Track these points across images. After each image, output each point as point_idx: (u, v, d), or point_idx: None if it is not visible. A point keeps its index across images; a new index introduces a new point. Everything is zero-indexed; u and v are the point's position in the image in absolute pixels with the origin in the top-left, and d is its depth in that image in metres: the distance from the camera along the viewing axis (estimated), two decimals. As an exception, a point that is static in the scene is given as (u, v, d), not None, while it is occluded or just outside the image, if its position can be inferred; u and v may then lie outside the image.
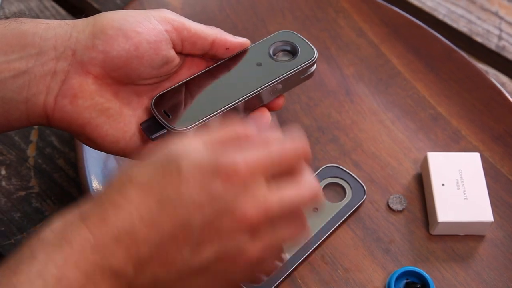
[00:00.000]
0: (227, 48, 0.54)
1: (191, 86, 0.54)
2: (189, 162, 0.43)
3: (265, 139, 0.45)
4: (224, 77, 0.55)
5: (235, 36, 0.55)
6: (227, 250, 0.43)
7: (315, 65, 0.56)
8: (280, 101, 0.56)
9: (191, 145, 0.43)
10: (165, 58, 0.51)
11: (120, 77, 0.51)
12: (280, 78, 0.54)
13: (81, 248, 0.41)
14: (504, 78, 0.75)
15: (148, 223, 0.42)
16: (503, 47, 0.77)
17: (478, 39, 0.78)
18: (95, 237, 0.41)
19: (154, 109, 0.52)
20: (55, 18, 0.77)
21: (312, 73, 0.56)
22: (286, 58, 0.56)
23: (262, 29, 0.75)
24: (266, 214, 0.43)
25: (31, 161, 0.67)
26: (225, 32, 0.54)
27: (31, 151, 0.68)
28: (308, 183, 0.45)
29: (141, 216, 0.42)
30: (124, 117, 0.52)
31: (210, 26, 0.54)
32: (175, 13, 0.53)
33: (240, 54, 0.55)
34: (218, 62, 0.55)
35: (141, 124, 0.52)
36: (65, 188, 0.66)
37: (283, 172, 0.44)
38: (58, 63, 0.50)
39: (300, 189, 0.45)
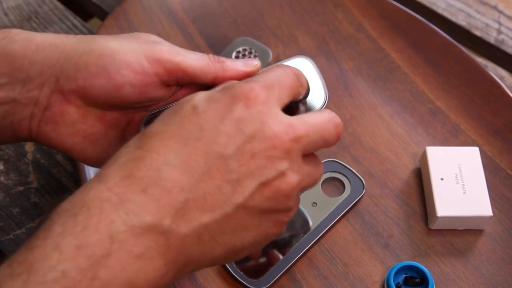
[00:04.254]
0: None
1: None
2: (202, 97, 0.42)
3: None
4: None
5: (242, 64, 0.49)
6: (268, 178, 0.42)
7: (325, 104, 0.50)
8: None
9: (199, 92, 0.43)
10: (150, 99, 0.48)
11: (102, 107, 0.49)
12: None
13: (101, 210, 0.38)
14: (503, 72, 0.75)
15: (176, 166, 0.39)
16: (502, 41, 0.77)
17: (477, 33, 0.78)
18: (117, 195, 0.38)
19: None
20: (53, 13, 0.77)
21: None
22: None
23: (260, 23, 0.74)
24: (295, 133, 0.43)
25: (29, 156, 0.67)
26: (230, 65, 0.49)
27: (29, 146, 0.68)
28: (323, 111, 0.46)
29: (166, 160, 0.39)
30: (109, 139, 0.50)
31: (214, 59, 0.48)
32: (173, 49, 0.48)
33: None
34: None
35: None
36: (64, 183, 0.66)
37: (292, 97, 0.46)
38: (41, 90, 0.48)
39: (317, 115, 0.45)
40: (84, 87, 0.47)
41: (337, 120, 0.46)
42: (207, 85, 0.50)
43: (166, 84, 0.48)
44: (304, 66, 0.51)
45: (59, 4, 0.78)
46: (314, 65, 0.51)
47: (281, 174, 0.42)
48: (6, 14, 0.76)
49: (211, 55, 0.49)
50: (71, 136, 0.49)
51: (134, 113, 0.51)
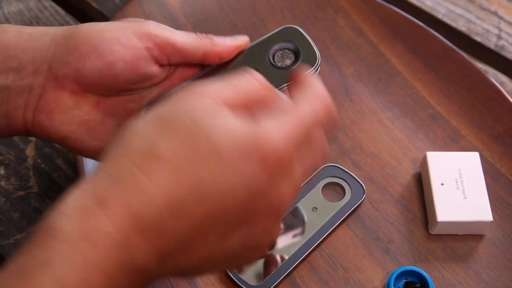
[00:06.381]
0: (221, 58, 0.50)
1: None
2: (225, 139, 0.38)
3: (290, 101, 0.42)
4: None
5: (230, 39, 0.50)
6: (255, 237, 0.40)
7: (318, 70, 0.52)
8: None
9: (218, 111, 0.38)
10: (144, 75, 0.49)
11: (98, 91, 0.49)
12: (280, 89, 0.50)
13: (103, 246, 0.36)
14: (503, 78, 0.75)
15: (177, 215, 0.37)
16: (502, 47, 0.77)
17: (477, 38, 0.78)
18: (117, 230, 0.36)
19: None
20: (54, 18, 0.77)
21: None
22: (286, 64, 0.52)
23: (261, 28, 0.75)
24: (297, 189, 0.41)
25: (30, 161, 0.67)
26: (218, 40, 0.50)
27: (30, 151, 0.68)
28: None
29: (170, 207, 0.37)
30: (108, 127, 0.50)
31: (202, 36, 0.50)
32: (160, 26, 0.49)
33: (238, 56, 0.52)
34: (214, 67, 0.51)
35: None
36: (64, 187, 0.66)
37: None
38: (35, 77, 0.48)
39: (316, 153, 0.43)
40: (77, 69, 0.48)
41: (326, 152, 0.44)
42: (199, 65, 0.51)
43: (157, 60, 0.48)
44: (293, 32, 0.52)
45: (60, 10, 0.78)
46: (303, 30, 0.52)
47: (268, 232, 0.42)
48: (7, 19, 0.76)
49: (198, 33, 0.50)
50: (66, 123, 0.49)
51: (131, 102, 0.51)
